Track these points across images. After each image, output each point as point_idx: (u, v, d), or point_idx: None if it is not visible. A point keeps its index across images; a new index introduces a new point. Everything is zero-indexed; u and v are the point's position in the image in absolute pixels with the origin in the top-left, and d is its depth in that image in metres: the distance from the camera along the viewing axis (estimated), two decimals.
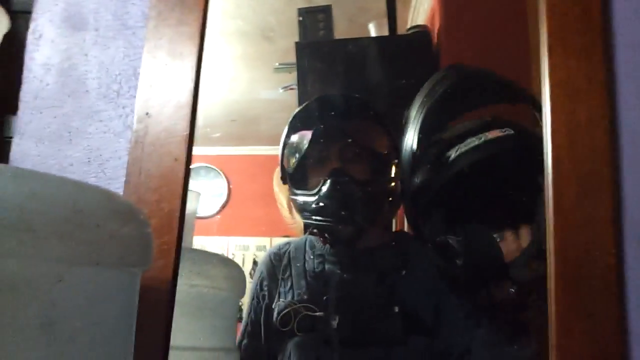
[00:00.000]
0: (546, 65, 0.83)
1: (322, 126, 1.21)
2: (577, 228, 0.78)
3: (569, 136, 0.80)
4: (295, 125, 1.25)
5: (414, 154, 1.07)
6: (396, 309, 1.09)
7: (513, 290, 0.96)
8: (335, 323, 1.09)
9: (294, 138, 1.24)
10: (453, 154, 0.98)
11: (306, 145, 1.20)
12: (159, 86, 0.88)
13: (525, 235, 0.98)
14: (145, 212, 0.78)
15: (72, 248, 0.47)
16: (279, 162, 1.27)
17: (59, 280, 0.46)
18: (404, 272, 1.14)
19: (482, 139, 0.96)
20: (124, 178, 0.86)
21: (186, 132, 0.86)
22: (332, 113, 1.24)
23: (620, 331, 0.75)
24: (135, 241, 0.55)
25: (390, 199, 1.20)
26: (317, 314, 1.11)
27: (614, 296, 0.75)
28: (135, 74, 0.90)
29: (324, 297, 1.13)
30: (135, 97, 0.90)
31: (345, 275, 1.14)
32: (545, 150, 0.82)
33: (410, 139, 1.09)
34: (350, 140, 1.18)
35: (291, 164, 1.24)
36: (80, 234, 0.48)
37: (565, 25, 0.84)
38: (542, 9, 0.86)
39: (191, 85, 0.88)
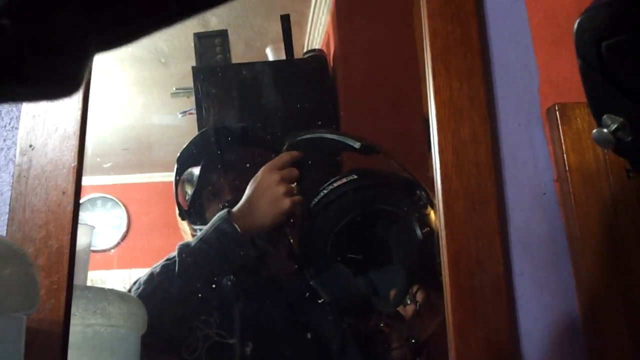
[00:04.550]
0: (431, 86, 0.88)
1: (211, 159, 1.24)
2: (467, 240, 0.82)
3: (455, 153, 0.85)
4: (186, 162, 1.27)
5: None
6: (309, 336, 1.10)
7: (382, 324, 1.09)
8: (248, 350, 1.07)
9: (186, 175, 1.26)
10: (312, 203, 1.11)
11: (198, 180, 1.22)
12: (43, 116, 0.84)
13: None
14: (28, 251, 0.73)
15: None
16: (175, 200, 1.28)
17: None
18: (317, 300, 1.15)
19: (330, 187, 1.09)
20: (7, 215, 0.80)
21: (74, 163, 0.82)
22: (220, 145, 1.28)
23: (513, 335, 0.79)
24: (17, 284, 0.52)
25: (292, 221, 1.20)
26: (229, 341, 1.08)
27: (505, 303, 0.80)
28: (17, 104, 0.85)
29: (235, 324, 1.11)
30: (17, 128, 0.84)
31: (253, 304, 1.12)
32: (434, 167, 0.86)
33: None
34: (239, 169, 1.20)
35: (187, 199, 1.25)
36: None
37: (447, 48, 0.89)
38: (425, 32, 0.90)
39: (78, 114, 0.84)
